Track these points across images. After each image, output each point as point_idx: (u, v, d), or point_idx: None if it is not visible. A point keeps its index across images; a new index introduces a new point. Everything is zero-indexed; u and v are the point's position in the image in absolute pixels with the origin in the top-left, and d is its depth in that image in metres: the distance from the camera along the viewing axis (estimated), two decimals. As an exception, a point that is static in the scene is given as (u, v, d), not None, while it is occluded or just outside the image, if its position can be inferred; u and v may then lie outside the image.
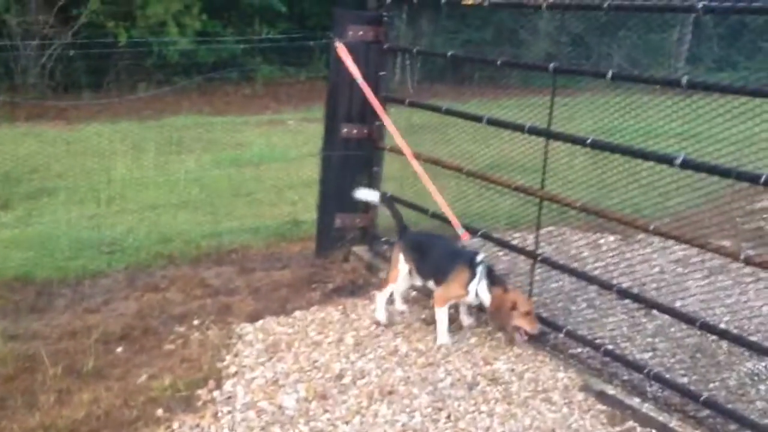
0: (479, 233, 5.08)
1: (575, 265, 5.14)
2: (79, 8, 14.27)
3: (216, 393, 3.88)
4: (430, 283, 4.71)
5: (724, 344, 4.45)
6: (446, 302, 4.53)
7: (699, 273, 5.23)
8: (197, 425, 3.59)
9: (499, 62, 4.85)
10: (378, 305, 4.82)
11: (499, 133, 5.04)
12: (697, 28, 17.00)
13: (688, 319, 3.96)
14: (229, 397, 3.84)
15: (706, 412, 3.79)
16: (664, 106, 4.78)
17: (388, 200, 5.18)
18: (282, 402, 3.81)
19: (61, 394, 3.86)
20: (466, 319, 4.79)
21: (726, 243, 5.43)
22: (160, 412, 3.69)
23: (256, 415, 3.68)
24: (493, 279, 4.47)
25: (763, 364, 4.31)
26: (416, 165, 5.19)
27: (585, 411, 3.87)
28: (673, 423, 3.73)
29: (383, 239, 5.76)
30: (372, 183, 5.77)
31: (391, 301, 5.02)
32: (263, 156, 9.68)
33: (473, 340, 4.61)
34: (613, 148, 4.16)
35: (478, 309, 4.65)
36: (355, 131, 5.69)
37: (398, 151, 5.39)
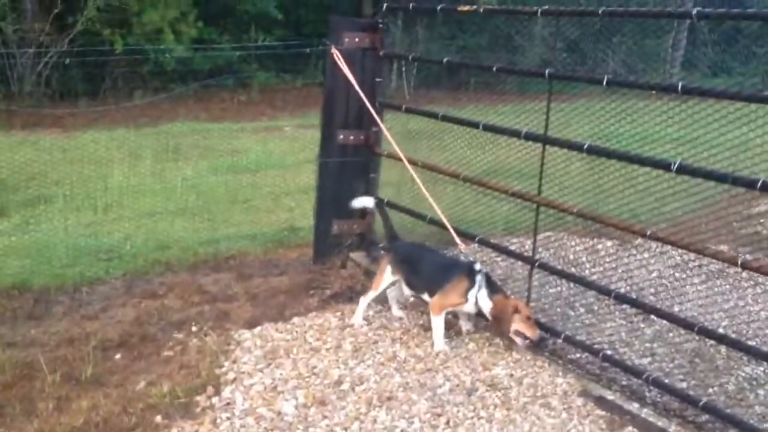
0: (477, 239, 5.08)
1: (573, 270, 5.16)
2: (75, 16, 14.28)
3: (215, 399, 3.87)
4: (425, 296, 4.71)
5: (723, 349, 4.46)
6: (442, 310, 4.54)
7: (697, 278, 5.24)
8: (196, 432, 3.59)
9: (495, 68, 4.87)
10: (358, 309, 4.87)
11: (496, 139, 5.06)
12: (692, 33, 17.06)
13: (686, 324, 3.97)
14: (228, 404, 3.84)
15: (704, 416, 3.80)
16: (660, 112, 4.80)
17: (380, 207, 5.18)
18: (281, 408, 3.80)
19: (60, 401, 3.85)
20: (464, 325, 4.80)
21: (723, 248, 5.45)
22: (158, 418, 3.69)
23: (255, 422, 3.67)
24: (493, 287, 4.49)
25: (762, 368, 4.32)
26: (413, 172, 5.20)
27: (584, 416, 3.88)
28: (672, 428, 3.74)
29: (381, 245, 5.75)
30: (369, 189, 5.78)
31: (388, 308, 5.04)
32: (260, 163, 9.68)
33: (472, 345, 4.61)
34: (610, 154, 4.17)
35: (478, 316, 4.65)
36: (351, 137, 5.69)
37: (395, 157, 5.39)
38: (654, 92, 4.80)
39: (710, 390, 4.13)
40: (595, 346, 4.40)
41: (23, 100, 13.78)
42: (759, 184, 3.39)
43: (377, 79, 5.67)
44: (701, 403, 3.75)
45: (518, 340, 4.43)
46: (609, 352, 4.34)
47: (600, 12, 4.12)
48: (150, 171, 8.66)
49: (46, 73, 14.10)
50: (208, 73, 15.64)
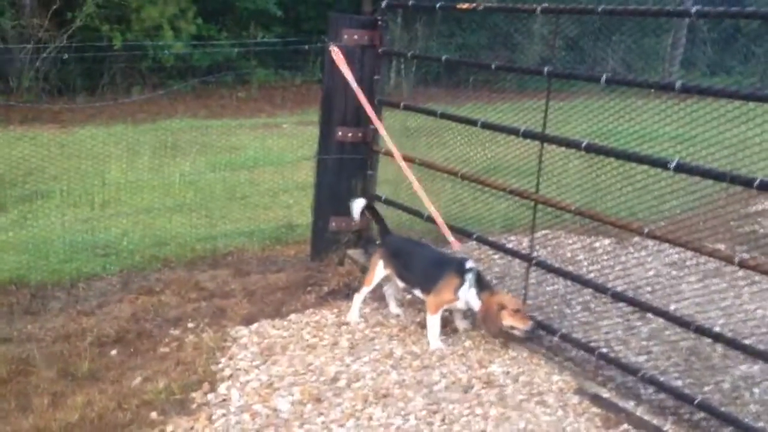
0: (474, 236, 5.08)
1: (570, 268, 5.16)
2: (74, 12, 14.24)
3: (210, 396, 3.87)
4: (417, 291, 4.71)
5: (719, 347, 4.46)
6: (438, 309, 4.54)
7: (694, 276, 5.24)
8: (191, 428, 3.58)
9: (494, 66, 4.86)
10: (353, 306, 4.88)
11: (495, 137, 5.05)
12: (692, 32, 17.06)
13: (682, 323, 3.97)
14: (224, 400, 3.84)
15: (700, 415, 3.80)
16: (658, 110, 4.80)
17: (370, 206, 5.13)
18: (276, 405, 3.80)
19: (55, 396, 3.85)
20: (461, 324, 4.79)
21: (720, 246, 5.45)
22: (154, 415, 3.68)
23: (251, 418, 3.67)
24: (482, 285, 4.48)
25: (757, 367, 4.32)
26: (407, 171, 5.19)
27: (579, 414, 3.88)
28: (668, 426, 3.74)
29: (378, 242, 5.76)
30: (367, 186, 5.77)
31: (385, 305, 5.04)
32: (258, 159, 9.66)
33: (468, 343, 4.61)
34: (608, 152, 4.17)
35: (472, 313, 4.64)
36: (350, 134, 5.69)
37: (393, 155, 5.39)
38: (653, 91, 4.80)
39: (706, 388, 4.14)
40: (591, 344, 4.40)
41: (21, 95, 13.74)
42: (756, 183, 3.39)
43: (376, 77, 5.66)
44: (696, 402, 3.75)
45: (515, 332, 4.42)
46: (605, 350, 4.34)
47: (599, 10, 4.11)
48: (148, 167, 8.65)
49: (45, 68, 14.07)
50: (206, 70, 15.61)
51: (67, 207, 7.14)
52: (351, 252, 5.81)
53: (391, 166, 5.70)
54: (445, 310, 4.66)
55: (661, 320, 4.53)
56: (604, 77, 4.10)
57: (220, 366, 4.18)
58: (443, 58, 5.38)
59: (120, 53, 14.28)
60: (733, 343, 3.88)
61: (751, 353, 3.78)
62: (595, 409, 3.92)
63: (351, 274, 5.54)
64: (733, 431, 3.67)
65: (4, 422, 3.61)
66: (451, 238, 4.93)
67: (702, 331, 3.87)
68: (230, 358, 4.27)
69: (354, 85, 5.42)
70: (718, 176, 3.58)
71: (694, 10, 3.64)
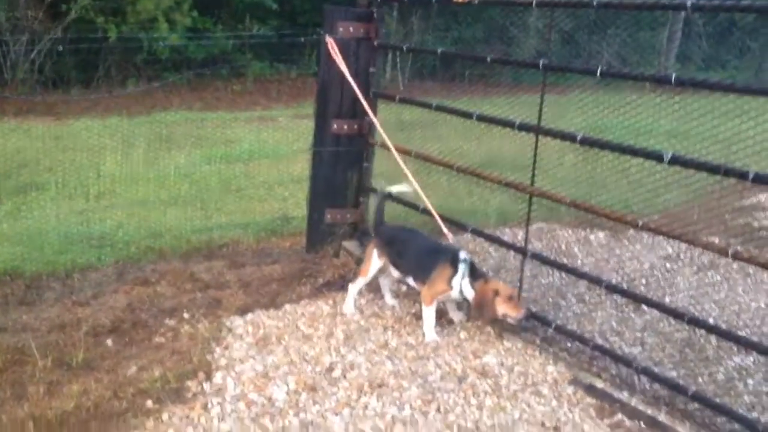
0: (470, 229, 5.09)
1: (565, 260, 5.18)
2: (69, 4, 14.20)
3: (206, 385, 3.88)
4: (410, 279, 4.72)
5: (713, 339, 4.49)
6: (433, 300, 4.55)
7: (688, 269, 5.27)
8: (187, 416, 3.59)
9: (489, 59, 4.86)
10: (348, 297, 4.88)
11: (490, 131, 5.06)
12: (687, 26, 17.08)
13: (676, 314, 3.99)
14: (219, 389, 3.84)
15: (694, 405, 3.82)
16: (654, 104, 4.82)
17: (383, 197, 5.12)
18: (272, 394, 3.81)
19: (51, 385, 3.85)
20: (455, 316, 4.81)
21: (715, 239, 5.48)
22: (149, 403, 3.69)
23: (246, 407, 3.68)
24: (475, 274, 4.49)
25: (751, 358, 4.35)
26: (401, 162, 5.19)
27: (574, 404, 3.90)
28: (662, 416, 3.76)
29: (373, 233, 5.77)
30: (362, 179, 5.78)
31: (381, 296, 5.05)
32: (253, 152, 9.67)
33: (463, 334, 4.63)
34: (603, 145, 4.18)
35: (467, 303, 4.66)
36: (345, 127, 5.69)
37: (388, 148, 5.39)
38: (648, 85, 4.81)
39: (700, 379, 4.16)
40: (586, 336, 4.42)
41: (16, 87, 13.72)
42: (751, 176, 3.40)
43: (371, 69, 5.66)
44: (690, 392, 3.77)
45: (508, 319, 4.43)
46: (599, 341, 4.36)
47: (594, 3, 4.12)
48: (143, 159, 8.65)
49: (40, 60, 14.04)
50: (202, 63, 15.59)
51: (62, 199, 7.14)
52: (346, 244, 5.82)
53: (386, 159, 5.70)
54: (440, 302, 4.67)
55: (655, 312, 4.57)
56: (599, 70, 4.11)
57: (216, 355, 4.19)
58: (439, 51, 5.39)
59: (115, 45, 14.24)
60: (727, 335, 3.90)
61: (745, 345, 3.81)
62: (589, 400, 3.94)
63: (346, 266, 5.54)
64: (726, 422, 3.70)
65: (-1, 411, 3.61)
66: (445, 230, 4.94)
67: (696, 322, 3.89)
68: (225, 348, 4.28)
69: (348, 77, 5.42)
70: (712, 169, 3.59)
71: (689, 3, 3.65)
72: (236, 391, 3.83)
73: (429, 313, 4.55)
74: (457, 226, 5.11)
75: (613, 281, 4.40)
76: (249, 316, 4.71)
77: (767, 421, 3.68)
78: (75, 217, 6.62)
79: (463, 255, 4.52)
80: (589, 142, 4.21)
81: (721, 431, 3.68)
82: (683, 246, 5.48)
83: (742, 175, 3.47)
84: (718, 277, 5.45)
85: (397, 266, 4.78)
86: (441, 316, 4.74)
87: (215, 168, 8.60)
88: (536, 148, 4.51)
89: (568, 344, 4.49)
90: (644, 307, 4.73)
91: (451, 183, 5.49)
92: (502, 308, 4.37)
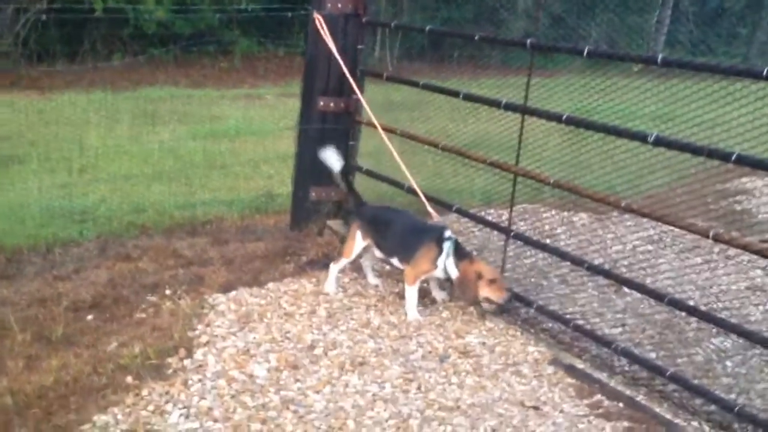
0: (454, 208, 5.09)
1: (548, 241, 5.18)
2: (54, -25, 14.01)
3: (187, 361, 3.87)
4: (394, 260, 4.72)
5: (693, 321, 4.51)
6: (416, 280, 4.54)
7: (670, 250, 5.29)
8: (167, 392, 3.58)
9: (476, 37, 4.84)
10: (329, 276, 4.85)
11: (477, 112, 5.05)
12: (676, 12, 17.07)
13: (656, 296, 4.01)
14: (200, 366, 3.83)
15: (672, 386, 3.85)
16: (643, 89, 4.80)
17: (344, 174, 5.09)
18: (253, 371, 3.81)
19: (30, 360, 3.83)
20: (438, 295, 4.81)
21: (697, 222, 5.50)
22: (129, 379, 3.67)
23: (227, 384, 3.67)
24: (460, 253, 4.48)
25: (730, 340, 4.38)
26: (387, 140, 5.18)
27: (554, 384, 3.91)
28: (640, 397, 3.79)
29: (354, 213, 5.75)
30: (349, 157, 5.75)
31: (364, 275, 5.04)
32: (239, 130, 9.61)
33: (445, 314, 4.64)
34: (588, 125, 4.18)
35: (448, 282, 4.66)
36: (332, 104, 5.65)
37: (375, 126, 5.37)
38: (636, 69, 4.80)
39: (679, 361, 4.19)
40: (567, 316, 4.44)
41: (0, 60, 13.56)
42: (733, 157, 3.41)
43: (359, 46, 5.62)
44: (669, 373, 3.80)
45: (485, 304, 4.45)
46: (580, 322, 4.38)
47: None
48: (127, 134, 8.58)
49: (24, 33, 13.87)
50: (189, 39, 15.45)
51: (45, 172, 7.08)
52: (331, 222, 5.81)
53: (373, 137, 5.68)
54: (423, 281, 4.67)
55: (636, 294, 4.59)
56: (586, 50, 4.10)
57: (197, 332, 4.17)
58: (427, 28, 5.35)
59: (101, 17, 14.06)
60: (706, 317, 3.92)
61: (725, 327, 3.83)
62: (569, 380, 3.96)
63: (330, 245, 5.53)
64: (704, 403, 3.73)
65: (-23, 384, 3.59)
66: (430, 208, 4.93)
67: (676, 304, 3.91)
68: (207, 325, 4.26)
69: (336, 53, 5.37)
70: (696, 150, 3.60)
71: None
72: (217, 367, 3.82)
73: (411, 292, 4.55)
74: (441, 205, 5.11)
75: (596, 262, 4.41)
76: (231, 294, 4.69)
77: (744, 403, 3.70)
78: (57, 191, 6.56)
79: (447, 234, 4.51)
80: (574, 122, 4.21)
81: (699, 413, 3.71)
82: (666, 228, 5.50)
83: (724, 157, 3.49)
84: (699, 260, 5.47)
85: (380, 247, 4.77)
86: (424, 295, 4.75)
87: (200, 144, 8.54)
88: (522, 127, 4.50)
89: (550, 325, 4.51)
90: (625, 288, 4.75)
91: (436, 162, 5.48)
92: (484, 291, 4.38)
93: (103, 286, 4.74)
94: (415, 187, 5.02)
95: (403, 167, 5.03)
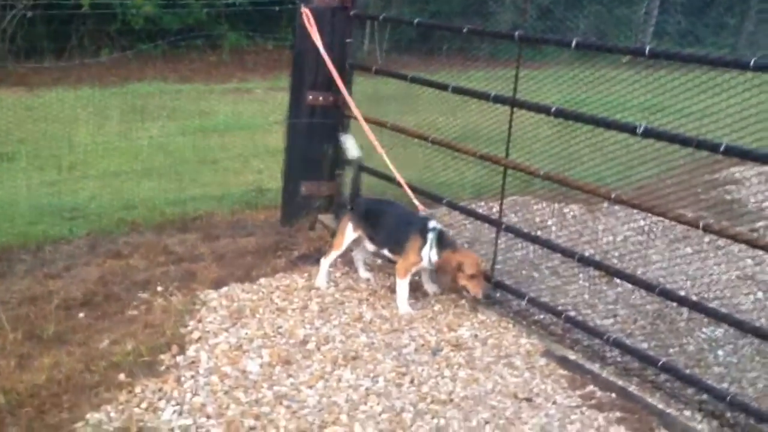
0: (444, 201, 5.09)
1: (539, 233, 5.19)
2: (41, -29, 13.91)
3: (179, 358, 3.86)
4: (385, 251, 4.73)
5: (684, 311, 4.53)
6: (407, 273, 4.55)
7: (660, 242, 5.31)
8: (160, 389, 3.58)
9: (465, 29, 4.83)
10: (320, 271, 4.86)
11: (466, 105, 5.05)
12: (665, 2, 17.10)
13: (648, 286, 4.03)
14: (193, 362, 3.83)
15: (664, 376, 3.87)
16: (632, 81, 4.81)
17: (358, 166, 5.11)
18: (245, 367, 3.80)
19: (22, 358, 3.81)
20: (430, 288, 4.82)
21: (688, 212, 5.52)
22: (122, 376, 3.67)
23: (220, 380, 3.67)
24: (443, 243, 4.47)
25: (721, 330, 4.40)
26: (371, 134, 5.17)
27: (546, 376, 3.93)
28: (632, 387, 3.81)
29: (349, 207, 5.75)
30: (338, 151, 5.74)
31: (355, 269, 5.04)
32: (229, 124, 9.59)
33: (437, 307, 4.64)
34: (577, 117, 4.18)
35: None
36: (321, 99, 5.64)
37: (364, 119, 5.35)
38: (624, 61, 4.81)
39: (670, 351, 4.21)
40: (559, 308, 4.45)
41: (-14, 57, 13.48)
42: (722, 148, 3.42)
43: (348, 40, 5.61)
44: (661, 364, 3.81)
45: (464, 293, 4.46)
46: (572, 314, 4.40)
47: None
48: (116, 131, 8.54)
49: (11, 30, 13.77)
50: (177, 33, 15.36)
51: (34, 170, 7.05)
52: (322, 217, 5.80)
53: (362, 131, 5.67)
54: (414, 274, 4.67)
55: (627, 285, 4.60)
56: (574, 42, 4.10)
57: (189, 329, 4.17)
58: (415, 21, 5.34)
59: (88, 12, 13.97)
60: (698, 307, 3.94)
61: (715, 316, 3.85)
62: (561, 371, 3.98)
63: (321, 239, 5.53)
64: (695, 393, 3.75)
65: (-31, 384, 3.57)
66: (416, 201, 4.93)
67: (667, 294, 3.93)
68: (199, 321, 4.26)
69: (321, 49, 5.36)
70: (684, 141, 3.61)
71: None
72: (210, 364, 3.82)
73: (402, 286, 4.56)
74: (432, 198, 5.11)
75: (587, 254, 4.42)
76: (223, 289, 4.69)
77: (736, 392, 3.73)
78: (47, 189, 6.53)
79: (431, 224, 4.51)
80: (563, 115, 4.21)
81: (691, 402, 3.73)
82: (656, 219, 5.52)
83: (713, 147, 3.50)
84: (690, 250, 5.50)
85: (372, 239, 4.78)
86: (415, 288, 4.76)
87: (190, 140, 8.51)
88: (511, 120, 4.50)
89: (542, 316, 4.53)
90: (617, 279, 4.76)
91: (426, 156, 5.47)
92: (463, 282, 4.39)
93: (94, 283, 4.73)
94: (400, 179, 5.01)
95: (387, 160, 5.02)
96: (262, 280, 4.86)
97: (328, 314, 4.45)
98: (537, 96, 4.74)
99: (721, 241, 5.08)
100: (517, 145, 4.67)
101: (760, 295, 4.99)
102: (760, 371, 4.05)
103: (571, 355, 4.09)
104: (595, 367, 3.97)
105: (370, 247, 4.82)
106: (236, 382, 3.68)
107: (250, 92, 12.87)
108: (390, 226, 4.68)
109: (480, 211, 5.44)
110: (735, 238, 3.63)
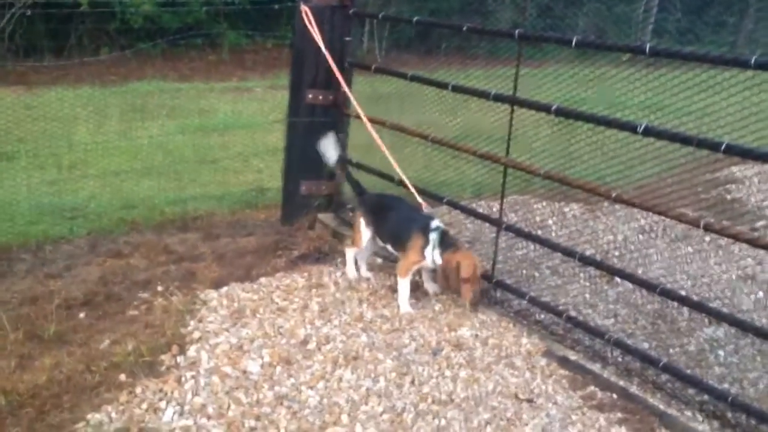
0: (445, 201, 5.08)
1: (539, 232, 5.18)
2: (40, -30, 13.88)
3: (180, 358, 3.86)
4: (389, 246, 4.75)
5: (685, 311, 4.53)
6: (408, 272, 4.55)
7: (661, 241, 5.30)
8: (160, 390, 3.57)
9: (464, 28, 4.82)
10: (347, 263, 4.95)
11: (467, 104, 5.04)
12: (664, 0, 17.08)
13: (648, 286, 4.02)
14: (193, 363, 3.82)
15: (665, 377, 3.87)
16: (632, 79, 4.81)
17: (342, 165, 5.13)
18: (246, 367, 3.80)
19: (22, 359, 3.81)
20: (430, 287, 4.81)
21: (688, 211, 5.52)
22: (122, 377, 3.66)
23: (220, 380, 3.67)
24: (446, 244, 4.46)
25: (722, 330, 4.40)
26: (373, 131, 5.17)
27: (547, 376, 3.93)
28: (633, 388, 3.80)
29: (349, 206, 5.75)
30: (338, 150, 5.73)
31: (357, 268, 5.04)
32: (229, 123, 9.58)
33: (438, 306, 4.64)
34: (577, 115, 4.17)
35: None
36: (320, 97, 5.63)
37: (363, 119, 5.35)
38: (625, 59, 4.80)
39: (671, 351, 4.21)
40: (560, 308, 4.45)
41: (-15, 56, 13.46)
42: (723, 147, 3.41)
43: (347, 38, 5.60)
44: (662, 364, 3.81)
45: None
46: (573, 314, 4.39)
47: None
48: (116, 130, 8.53)
49: (10, 28, 13.75)
50: (176, 32, 15.35)
51: (33, 169, 7.04)
52: (322, 216, 5.79)
53: (362, 129, 5.66)
54: (415, 274, 4.67)
55: (628, 284, 4.60)
56: (574, 40, 4.09)
57: (190, 329, 4.16)
58: (414, 19, 5.33)
59: (87, 11, 13.95)
60: (699, 307, 3.94)
61: (716, 316, 3.85)
62: (562, 371, 3.97)
63: (321, 238, 5.52)
64: (697, 393, 3.74)
65: (-30, 384, 3.57)
66: (419, 198, 4.93)
67: (668, 294, 3.92)
68: (200, 321, 4.25)
69: (322, 46, 5.35)
70: (685, 140, 3.60)
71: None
72: (210, 364, 3.81)
73: (404, 285, 4.55)
74: (432, 197, 5.10)
75: (587, 253, 4.42)
76: (223, 289, 4.68)
77: (737, 392, 3.72)
78: (47, 188, 6.52)
79: (434, 224, 4.50)
80: (563, 113, 4.20)
81: (692, 402, 3.72)
82: (657, 218, 5.52)
83: (714, 146, 3.49)
84: (691, 249, 5.49)
85: (379, 235, 4.80)
86: (416, 288, 4.75)
87: (190, 139, 8.50)
88: (511, 119, 4.49)
89: (542, 316, 4.52)
90: (617, 279, 4.76)
91: (426, 155, 5.47)
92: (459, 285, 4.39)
93: (94, 283, 4.73)
94: (404, 178, 5.01)
95: (391, 159, 5.02)
96: (263, 280, 4.86)
97: (329, 314, 4.44)
98: (537, 94, 4.74)
99: (722, 240, 5.09)
100: (517, 144, 4.66)
101: (761, 294, 4.99)
102: (762, 371, 4.05)
103: (572, 356, 4.08)
104: (596, 368, 3.97)
105: (380, 243, 4.85)
106: (237, 382, 3.67)
107: (250, 91, 12.86)
108: (394, 223, 4.70)
109: (480, 210, 5.44)
110: (736, 238, 3.62)
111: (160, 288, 4.69)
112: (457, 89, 4.81)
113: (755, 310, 4.74)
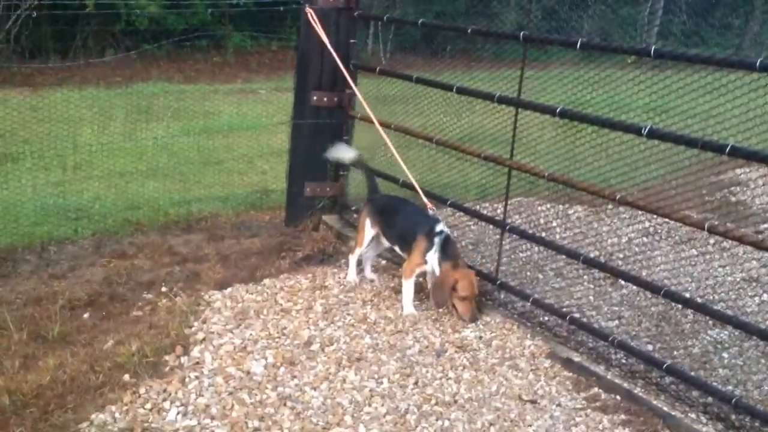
0: (449, 203, 5.09)
1: (543, 234, 5.18)
2: (46, -29, 13.92)
3: (183, 359, 3.86)
4: (396, 248, 4.76)
5: (689, 313, 4.52)
6: (412, 273, 4.55)
7: (665, 243, 5.29)
8: (164, 390, 3.58)
9: (469, 30, 4.82)
10: (349, 267, 4.94)
11: (471, 106, 5.04)
12: (669, 2, 17.06)
13: (652, 288, 4.02)
14: (197, 363, 3.83)
15: (669, 379, 3.86)
16: (637, 81, 4.81)
17: (361, 163, 5.15)
18: (250, 368, 3.80)
19: (27, 359, 3.82)
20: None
21: (692, 213, 5.51)
22: (126, 377, 3.67)
23: (224, 381, 3.67)
24: (447, 252, 4.45)
25: (726, 332, 4.39)
26: (382, 132, 5.17)
27: (551, 378, 3.92)
28: (637, 390, 3.80)
29: (353, 208, 5.76)
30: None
31: (361, 269, 5.04)
32: (233, 125, 9.58)
33: (442, 308, 4.63)
34: (582, 118, 4.17)
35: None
36: (325, 99, 5.64)
37: (369, 120, 5.36)
38: (630, 61, 4.80)
39: (675, 353, 4.20)
40: (564, 310, 4.44)
41: (-9, 57, 13.49)
42: (727, 149, 3.41)
43: (352, 40, 5.61)
44: (666, 366, 3.80)
45: (454, 312, 4.45)
46: (577, 315, 4.39)
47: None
48: (121, 131, 8.54)
49: (15, 30, 13.79)
50: (181, 34, 15.38)
51: (39, 170, 7.05)
52: (326, 218, 5.80)
53: (366, 131, 5.67)
54: (419, 276, 4.67)
55: (632, 286, 4.60)
56: (579, 42, 4.09)
57: (194, 329, 4.17)
58: (419, 21, 5.34)
59: (92, 12, 13.99)
60: (702, 309, 3.93)
61: (721, 318, 3.84)
62: (566, 373, 3.97)
63: (326, 240, 5.53)
64: (701, 395, 3.74)
65: (-26, 384, 3.58)
66: (425, 199, 4.93)
67: (672, 296, 3.91)
68: (204, 322, 4.26)
69: (329, 46, 5.36)
70: (689, 142, 3.59)
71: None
72: (214, 365, 3.82)
73: (408, 286, 4.56)
74: (436, 199, 5.10)
75: (591, 255, 4.41)
76: (227, 290, 4.69)
77: (741, 394, 3.72)
78: (51, 189, 6.53)
79: (439, 228, 4.49)
80: (568, 115, 4.20)
81: (696, 404, 3.72)
82: (661, 220, 5.51)
83: (718, 148, 3.48)
84: (695, 252, 5.48)
85: (386, 236, 4.82)
86: (420, 290, 4.75)
87: (194, 140, 8.51)
88: (516, 121, 4.49)
89: (546, 318, 4.52)
90: (621, 281, 4.75)
91: (430, 156, 5.47)
92: (455, 303, 4.39)
93: (98, 284, 4.74)
94: (412, 180, 5.01)
95: (398, 158, 5.02)
96: (267, 281, 4.86)
97: (333, 315, 4.45)
98: (542, 96, 4.74)
99: (726, 243, 5.07)
100: (521, 146, 4.66)
101: (765, 297, 4.97)
102: (766, 374, 4.04)
103: (576, 357, 4.08)
104: (600, 369, 3.96)
105: (386, 242, 4.85)
106: (240, 383, 3.68)
107: (255, 93, 12.87)
108: (400, 224, 4.72)
109: (484, 212, 5.43)
110: (740, 240, 3.62)
111: (164, 289, 4.70)
112: (461, 91, 4.81)
113: (760, 312, 4.73)
